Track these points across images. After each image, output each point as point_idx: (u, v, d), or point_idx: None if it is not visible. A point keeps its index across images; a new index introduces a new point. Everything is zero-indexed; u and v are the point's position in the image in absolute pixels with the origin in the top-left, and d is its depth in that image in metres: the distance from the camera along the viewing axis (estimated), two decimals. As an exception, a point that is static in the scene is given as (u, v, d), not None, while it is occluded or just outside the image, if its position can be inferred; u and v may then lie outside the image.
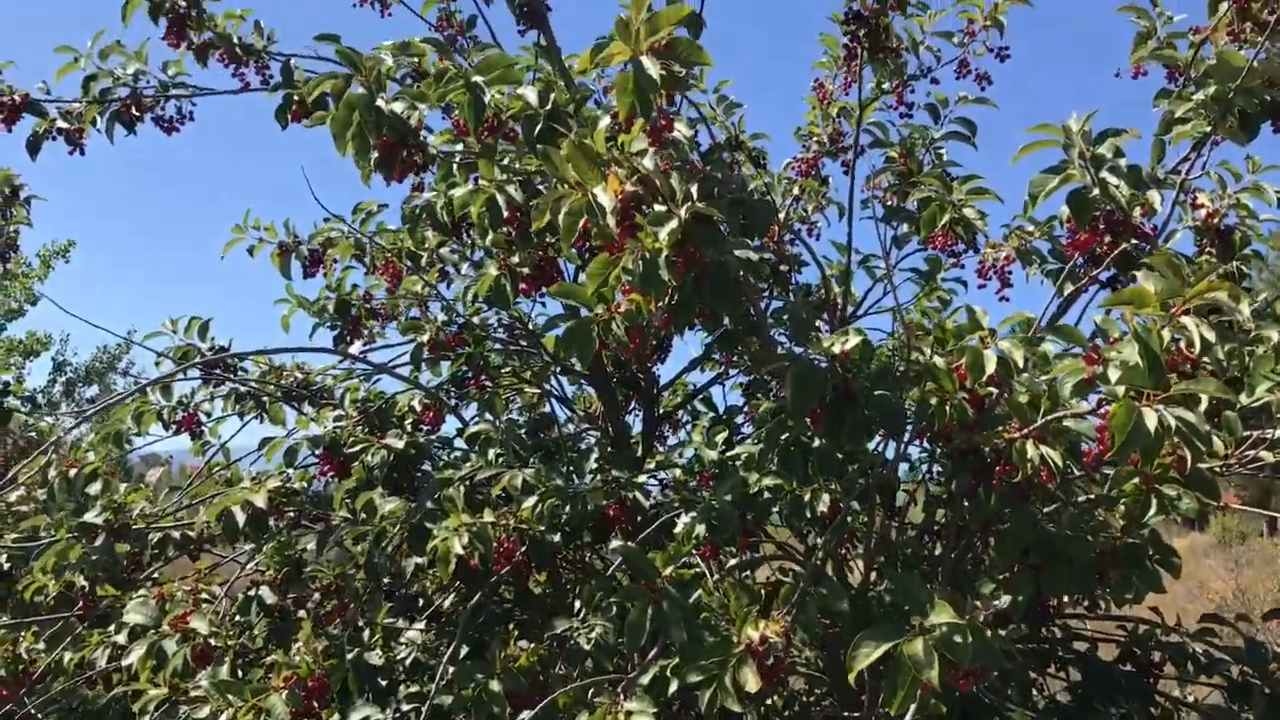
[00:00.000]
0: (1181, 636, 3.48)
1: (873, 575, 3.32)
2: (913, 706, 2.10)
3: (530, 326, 4.44)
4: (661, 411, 4.68)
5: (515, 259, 3.28)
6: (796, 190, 4.52)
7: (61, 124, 3.70)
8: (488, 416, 3.86)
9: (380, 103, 2.80)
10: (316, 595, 3.69)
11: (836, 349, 2.60)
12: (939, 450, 3.23)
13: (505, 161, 3.25)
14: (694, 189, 2.58)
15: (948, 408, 2.68)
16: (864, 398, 2.64)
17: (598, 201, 2.36)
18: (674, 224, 2.47)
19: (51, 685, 3.94)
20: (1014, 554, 2.80)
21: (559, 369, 4.59)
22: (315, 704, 2.82)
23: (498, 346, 4.46)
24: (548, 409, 4.84)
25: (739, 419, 4.36)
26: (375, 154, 2.87)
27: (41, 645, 3.55)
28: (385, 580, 3.74)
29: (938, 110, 3.79)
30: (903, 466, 3.33)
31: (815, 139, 4.46)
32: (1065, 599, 3.62)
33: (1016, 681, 3.58)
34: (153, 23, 3.58)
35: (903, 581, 2.15)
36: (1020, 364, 2.62)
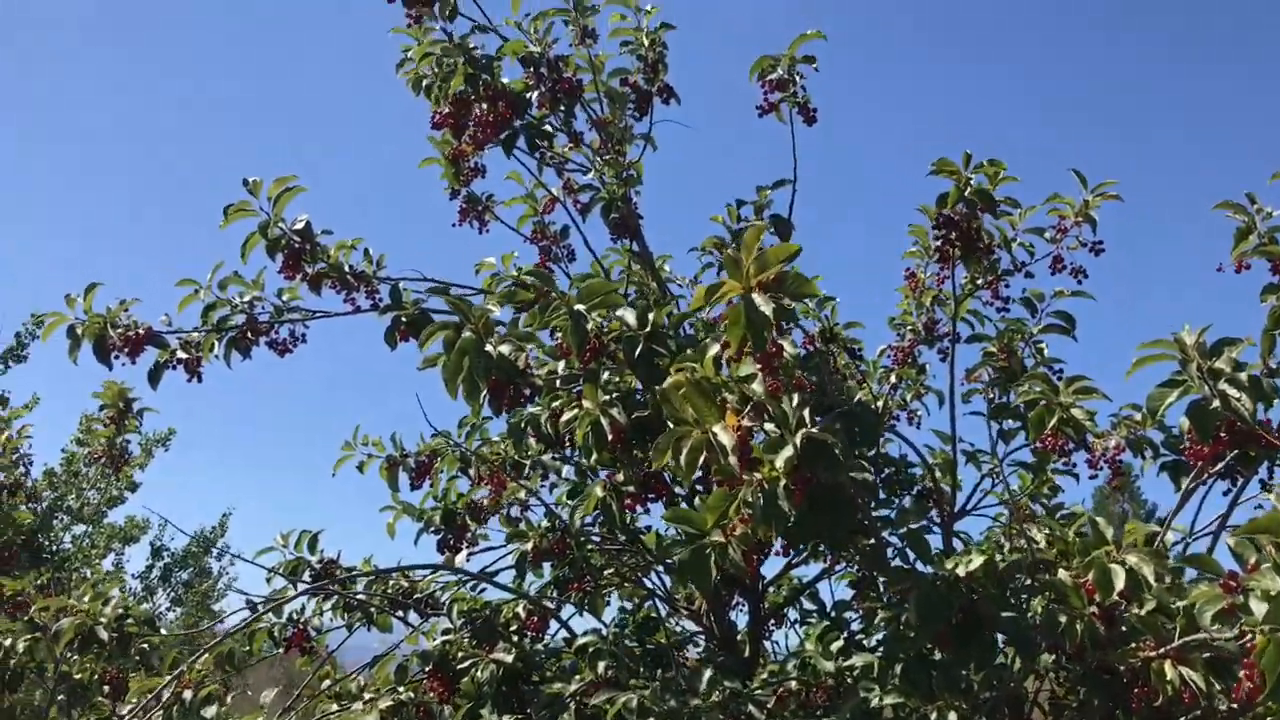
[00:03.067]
0: None
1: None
2: None
3: (631, 525, 4.44)
4: (767, 607, 4.60)
5: (620, 477, 3.31)
6: (893, 379, 4.52)
7: (181, 354, 3.87)
8: (595, 626, 3.84)
9: (489, 347, 2.89)
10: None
11: (961, 571, 2.55)
12: (1065, 660, 3.13)
13: (605, 376, 3.32)
14: (805, 413, 2.60)
15: (1077, 625, 2.60)
16: (992, 619, 2.57)
17: (718, 440, 2.38)
18: (789, 451, 2.49)
19: None
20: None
21: (661, 566, 4.56)
22: None
23: (598, 547, 4.46)
24: (648, 604, 4.78)
25: (848, 614, 4.26)
26: (485, 392, 2.95)
27: None
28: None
29: (1034, 305, 3.80)
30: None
31: (910, 327, 4.48)
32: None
33: None
34: (270, 259, 3.78)
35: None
36: (1151, 580, 2.54)
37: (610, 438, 3.08)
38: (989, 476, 3.89)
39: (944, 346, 4.49)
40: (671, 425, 2.46)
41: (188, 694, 3.79)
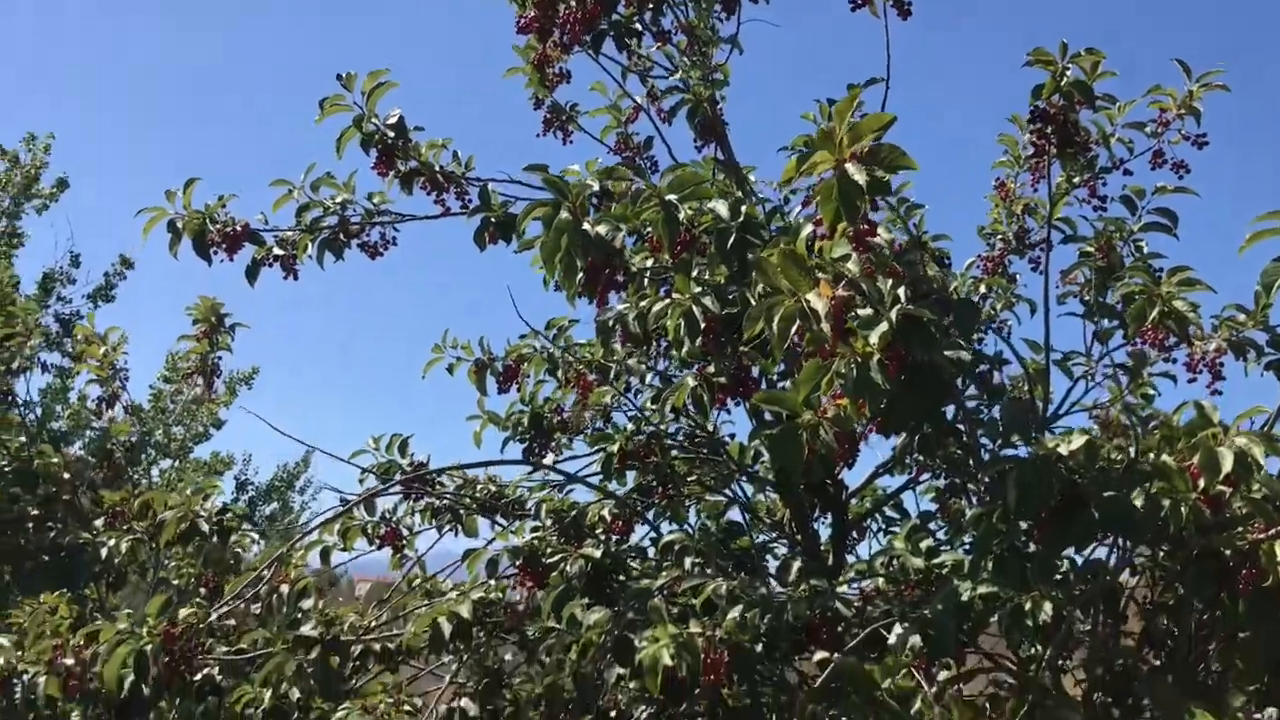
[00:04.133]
0: None
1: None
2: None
3: (714, 434, 4.45)
4: (850, 518, 4.58)
5: (711, 369, 3.31)
6: (983, 289, 4.44)
7: (277, 251, 3.95)
8: (684, 526, 3.87)
9: (586, 226, 2.91)
10: (518, 706, 3.72)
11: (1063, 450, 2.51)
12: (1164, 554, 3.07)
13: (696, 273, 3.31)
14: (901, 291, 2.57)
15: (1182, 509, 2.55)
16: (1093, 501, 2.53)
17: (811, 307, 2.36)
18: (884, 326, 2.46)
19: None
20: (1264, 665, 2.61)
21: (744, 475, 4.57)
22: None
23: (682, 454, 4.48)
24: (731, 516, 4.80)
25: (932, 525, 4.24)
26: (581, 275, 2.97)
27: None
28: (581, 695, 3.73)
29: (1134, 202, 3.70)
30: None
31: (1000, 237, 4.40)
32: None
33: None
34: (364, 153, 3.82)
35: (1157, 689, 2.02)
36: (1260, 460, 2.48)
37: (703, 326, 3.08)
38: (1083, 379, 3.81)
39: (1035, 256, 4.41)
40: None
41: (284, 588, 3.88)
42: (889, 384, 2.44)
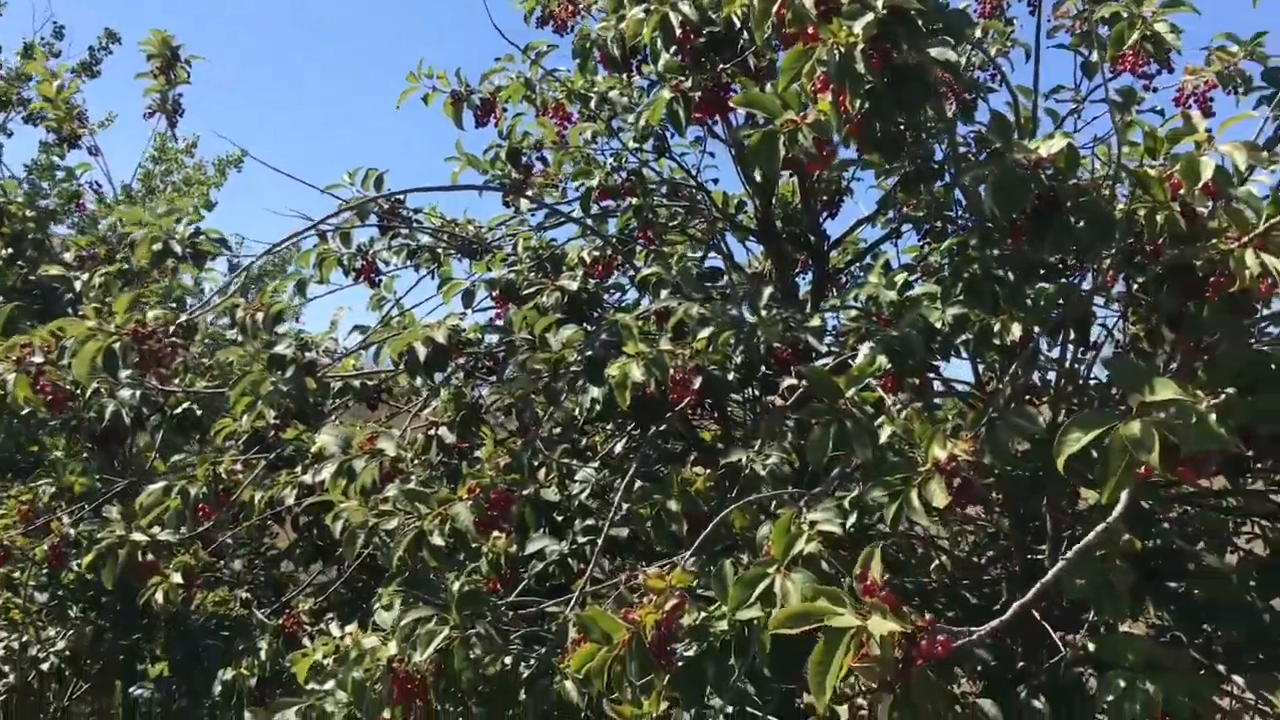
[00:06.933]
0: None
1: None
2: (1124, 496, 1.99)
3: (696, 177, 4.38)
4: (830, 270, 4.57)
5: (688, 84, 3.21)
6: (979, 33, 4.29)
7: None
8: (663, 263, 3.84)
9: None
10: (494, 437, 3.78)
11: (1044, 151, 2.45)
12: (1139, 285, 3.06)
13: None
14: (889, -17, 2.46)
15: (1158, 218, 2.51)
16: (1070, 204, 2.49)
17: (793, -20, 2.26)
18: (870, 16, 2.36)
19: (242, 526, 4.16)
20: (1225, 376, 2.62)
21: (727, 226, 4.52)
22: (498, 515, 2.88)
23: (664, 200, 4.42)
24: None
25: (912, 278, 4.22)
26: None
27: (240, 466, 3.72)
28: (556, 429, 3.79)
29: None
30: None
31: (1000, -25, 4.22)
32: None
33: (1210, 534, 3.43)
34: None
35: (1120, 364, 2.03)
36: (1242, 166, 2.43)
37: (679, 35, 2.96)
38: (1071, 116, 3.73)
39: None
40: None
41: (259, 315, 3.86)
42: (873, 76, 2.36)
